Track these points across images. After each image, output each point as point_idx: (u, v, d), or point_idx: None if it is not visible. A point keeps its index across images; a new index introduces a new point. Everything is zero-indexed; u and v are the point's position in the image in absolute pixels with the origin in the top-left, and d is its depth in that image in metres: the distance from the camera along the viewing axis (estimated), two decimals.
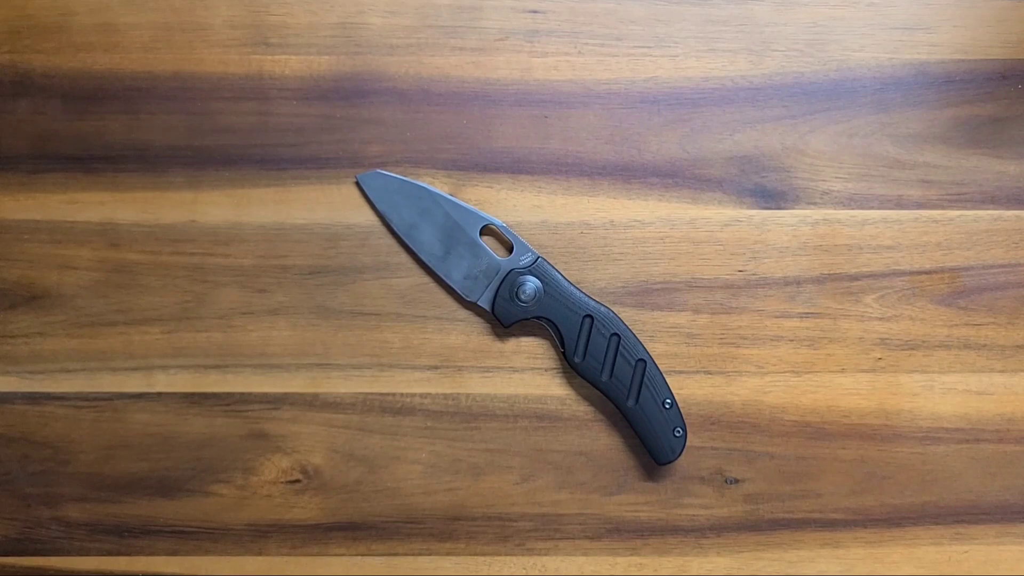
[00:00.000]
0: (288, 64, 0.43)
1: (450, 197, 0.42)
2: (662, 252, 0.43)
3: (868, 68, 0.44)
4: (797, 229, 0.43)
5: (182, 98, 0.43)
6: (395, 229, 0.42)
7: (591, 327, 0.41)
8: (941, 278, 0.43)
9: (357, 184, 0.43)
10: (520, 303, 0.41)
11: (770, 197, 0.43)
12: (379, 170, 0.42)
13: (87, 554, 0.42)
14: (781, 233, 0.43)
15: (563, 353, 0.42)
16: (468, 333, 0.43)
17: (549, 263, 0.42)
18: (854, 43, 0.44)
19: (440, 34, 0.44)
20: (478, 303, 0.42)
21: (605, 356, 0.41)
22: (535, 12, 0.44)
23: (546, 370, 0.43)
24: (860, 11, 0.44)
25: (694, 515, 0.43)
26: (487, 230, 0.43)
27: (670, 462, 0.42)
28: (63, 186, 0.43)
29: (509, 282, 0.41)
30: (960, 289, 0.43)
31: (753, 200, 0.43)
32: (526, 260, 0.42)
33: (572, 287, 0.42)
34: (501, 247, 0.43)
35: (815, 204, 0.43)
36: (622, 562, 0.43)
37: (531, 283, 0.41)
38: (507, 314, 0.41)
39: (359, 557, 0.42)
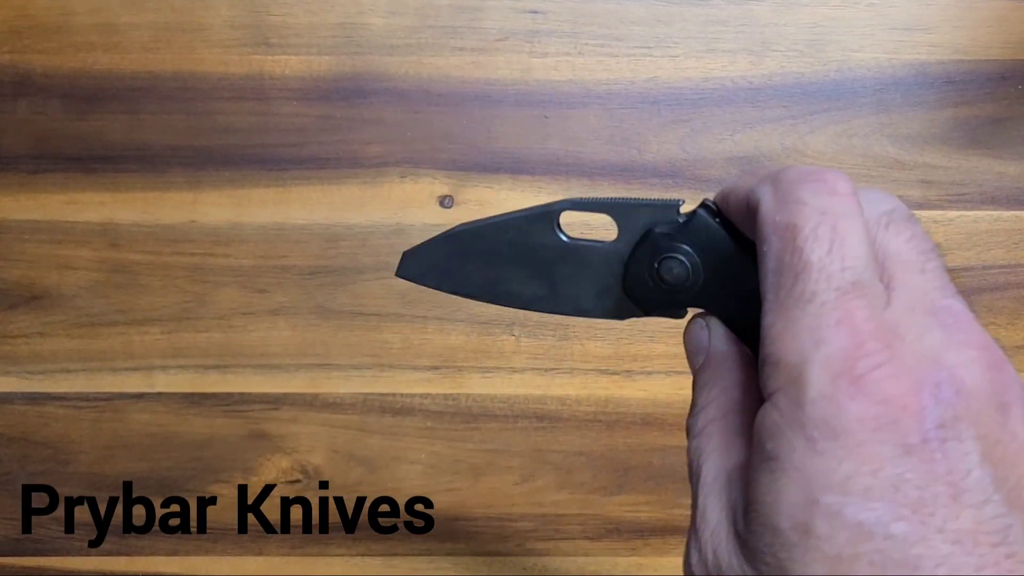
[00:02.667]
0: (288, 64, 0.43)
1: (496, 220, 0.25)
2: None
3: (868, 68, 0.44)
4: None
5: (182, 98, 0.43)
6: (477, 299, 0.26)
7: None
8: None
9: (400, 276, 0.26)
10: (665, 286, 0.23)
11: None
12: (407, 250, 0.25)
13: (87, 554, 0.42)
14: None
15: None
16: (468, 333, 0.43)
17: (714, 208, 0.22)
18: (854, 43, 0.44)
19: (440, 34, 0.44)
20: (617, 307, 0.25)
21: None
22: (535, 12, 0.44)
23: (546, 370, 0.43)
24: (860, 11, 0.44)
25: None
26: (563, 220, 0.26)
27: None
28: (63, 186, 0.43)
29: (650, 249, 0.23)
30: (960, 289, 0.43)
31: None
32: (665, 224, 0.22)
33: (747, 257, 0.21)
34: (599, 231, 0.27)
35: None
36: (622, 562, 0.43)
37: (683, 257, 0.22)
38: (647, 299, 0.23)
39: (359, 557, 0.42)
